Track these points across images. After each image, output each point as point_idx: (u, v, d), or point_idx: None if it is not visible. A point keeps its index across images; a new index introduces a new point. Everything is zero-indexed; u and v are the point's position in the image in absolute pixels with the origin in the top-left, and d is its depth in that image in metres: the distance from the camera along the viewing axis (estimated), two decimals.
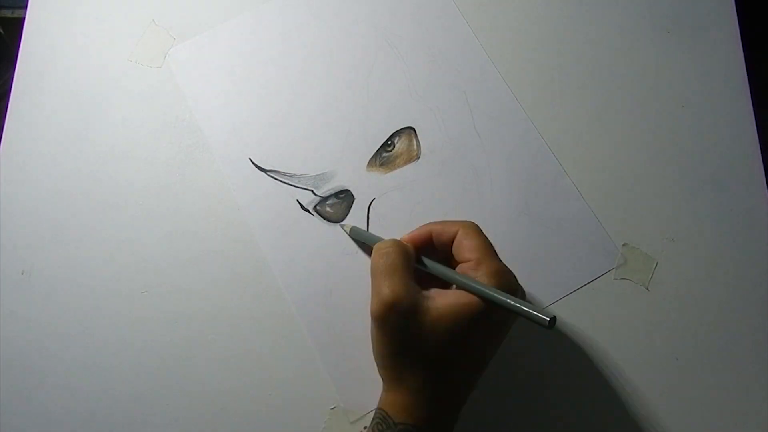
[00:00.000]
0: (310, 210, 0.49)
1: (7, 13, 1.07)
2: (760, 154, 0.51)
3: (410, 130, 0.51)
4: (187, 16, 0.54)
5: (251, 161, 0.50)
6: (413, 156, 0.51)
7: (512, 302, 0.35)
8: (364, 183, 0.50)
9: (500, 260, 0.39)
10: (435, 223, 0.42)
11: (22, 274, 0.48)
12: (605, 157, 0.51)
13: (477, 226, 0.40)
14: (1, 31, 1.07)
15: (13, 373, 0.45)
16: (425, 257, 0.41)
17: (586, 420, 0.45)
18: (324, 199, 0.49)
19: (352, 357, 0.45)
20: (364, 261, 0.47)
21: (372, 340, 0.39)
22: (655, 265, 0.48)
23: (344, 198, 0.49)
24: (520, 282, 0.39)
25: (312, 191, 0.49)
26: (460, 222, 0.40)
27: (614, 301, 0.47)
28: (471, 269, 0.37)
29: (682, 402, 0.45)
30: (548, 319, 0.33)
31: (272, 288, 0.47)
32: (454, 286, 0.39)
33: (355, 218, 0.49)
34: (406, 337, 0.36)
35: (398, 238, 0.42)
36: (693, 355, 0.46)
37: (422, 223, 0.42)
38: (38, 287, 0.47)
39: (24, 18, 0.54)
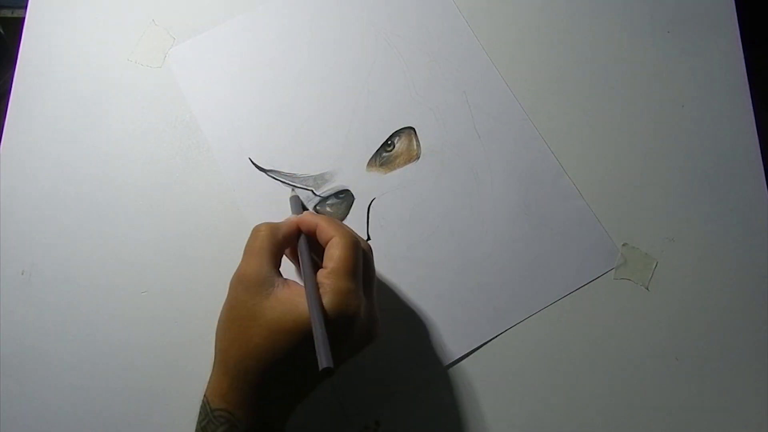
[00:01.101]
0: (311, 210, 0.49)
1: (7, 13, 1.07)
2: (760, 154, 0.51)
3: (410, 130, 0.51)
4: (187, 16, 0.54)
5: (251, 161, 0.50)
6: (413, 156, 0.51)
7: (316, 326, 0.33)
8: (364, 183, 0.50)
9: (356, 283, 0.37)
10: (325, 219, 0.40)
11: (22, 274, 0.48)
12: (605, 157, 0.51)
13: (356, 242, 0.38)
14: (1, 31, 1.07)
15: (13, 372, 0.45)
16: (304, 244, 0.40)
17: (586, 420, 0.45)
18: (324, 199, 0.49)
19: (352, 358, 0.45)
20: None
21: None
22: (655, 265, 0.48)
23: (344, 198, 0.49)
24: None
25: (312, 191, 0.49)
26: (342, 231, 0.38)
27: (614, 301, 0.47)
28: (323, 276, 0.36)
29: (682, 402, 0.45)
30: (325, 366, 0.32)
31: None
32: None
33: (355, 218, 0.49)
34: (243, 309, 0.36)
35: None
36: (693, 355, 0.46)
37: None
38: (38, 287, 0.47)
39: (24, 18, 0.54)
